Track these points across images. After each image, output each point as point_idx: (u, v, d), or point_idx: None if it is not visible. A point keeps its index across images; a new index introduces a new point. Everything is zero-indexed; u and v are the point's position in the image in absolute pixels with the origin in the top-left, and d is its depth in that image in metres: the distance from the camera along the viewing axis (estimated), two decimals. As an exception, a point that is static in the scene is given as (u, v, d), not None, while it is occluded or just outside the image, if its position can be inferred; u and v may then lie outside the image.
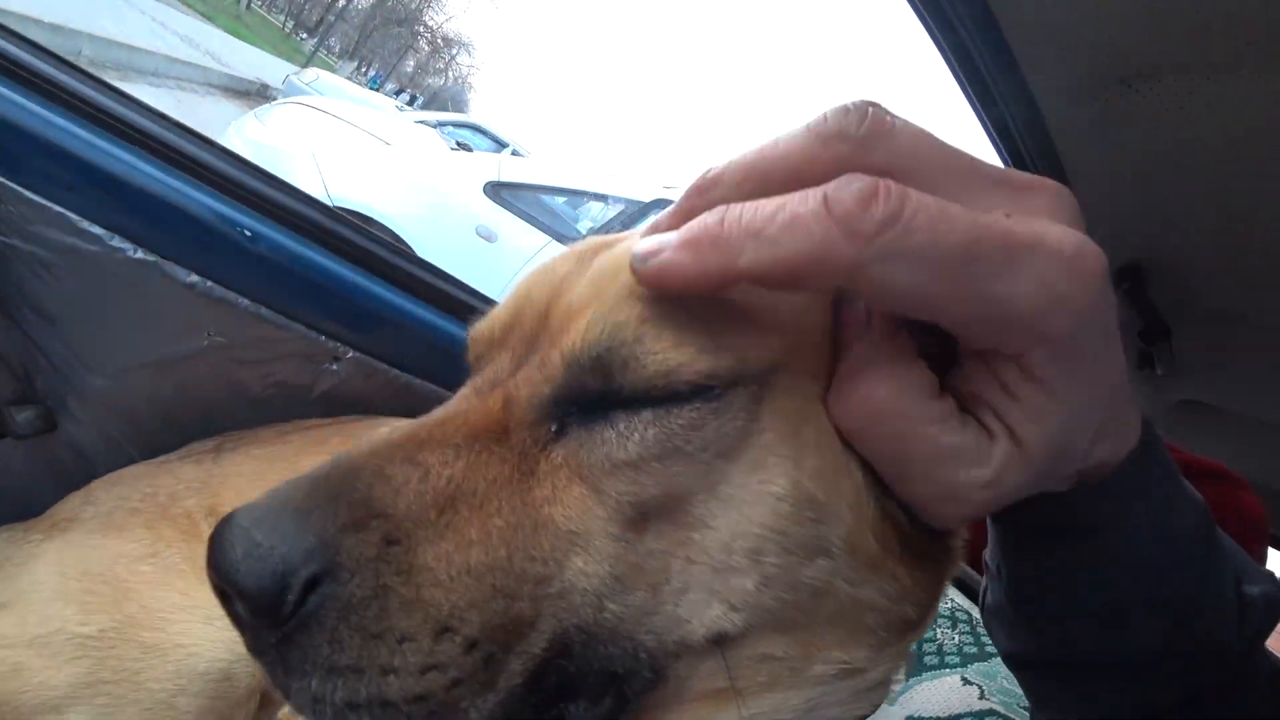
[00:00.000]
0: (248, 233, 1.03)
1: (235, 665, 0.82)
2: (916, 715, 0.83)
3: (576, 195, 4.95)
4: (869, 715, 0.44)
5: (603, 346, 0.34)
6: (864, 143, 0.29)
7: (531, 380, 0.36)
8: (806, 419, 0.35)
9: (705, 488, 0.34)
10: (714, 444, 0.34)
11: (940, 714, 0.82)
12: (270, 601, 0.29)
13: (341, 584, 0.30)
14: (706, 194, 0.32)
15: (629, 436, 0.34)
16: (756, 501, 0.34)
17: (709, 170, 0.33)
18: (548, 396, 0.36)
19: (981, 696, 0.85)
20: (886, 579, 0.37)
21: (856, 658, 0.39)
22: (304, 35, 37.08)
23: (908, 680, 0.90)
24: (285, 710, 0.86)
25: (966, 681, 0.88)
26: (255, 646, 0.31)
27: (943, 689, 0.87)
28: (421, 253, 2.58)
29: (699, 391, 0.33)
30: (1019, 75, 0.99)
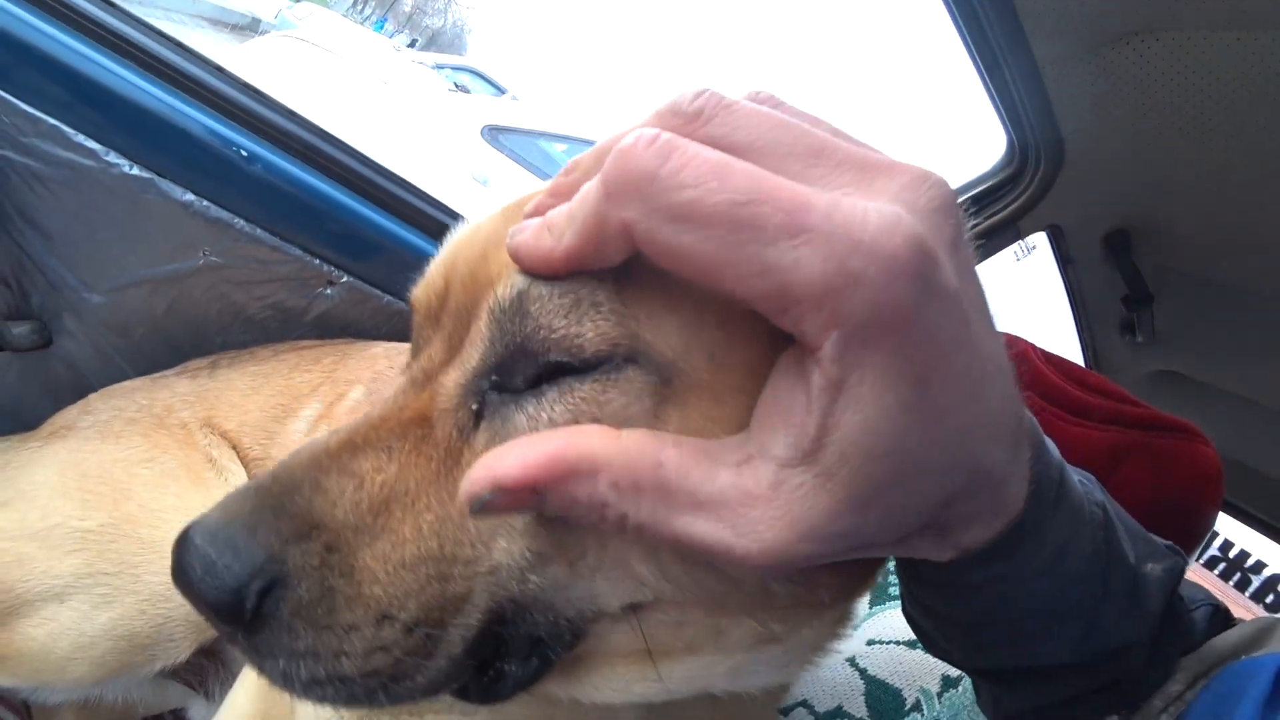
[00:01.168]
0: (243, 152, 1.03)
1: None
2: (877, 639, 0.88)
3: (575, 141, 4.89)
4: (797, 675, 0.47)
5: (519, 302, 0.34)
6: (694, 117, 0.28)
7: (459, 365, 0.38)
8: (707, 429, 0.33)
9: None
10: (620, 425, 0.33)
11: (900, 638, 0.87)
12: (231, 612, 0.34)
13: (291, 589, 0.34)
14: (570, 174, 0.34)
15: (538, 419, 0.35)
16: None
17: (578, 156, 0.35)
18: (470, 373, 0.37)
19: (940, 624, 0.89)
20: (791, 572, 0.38)
21: (772, 628, 0.41)
22: (298, -32, 35.74)
23: (871, 609, 0.95)
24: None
25: (927, 610, 0.92)
26: (228, 639, 0.36)
27: (903, 617, 0.91)
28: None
29: (601, 361, 0.33)
30: (1022, 34, 0.99)
